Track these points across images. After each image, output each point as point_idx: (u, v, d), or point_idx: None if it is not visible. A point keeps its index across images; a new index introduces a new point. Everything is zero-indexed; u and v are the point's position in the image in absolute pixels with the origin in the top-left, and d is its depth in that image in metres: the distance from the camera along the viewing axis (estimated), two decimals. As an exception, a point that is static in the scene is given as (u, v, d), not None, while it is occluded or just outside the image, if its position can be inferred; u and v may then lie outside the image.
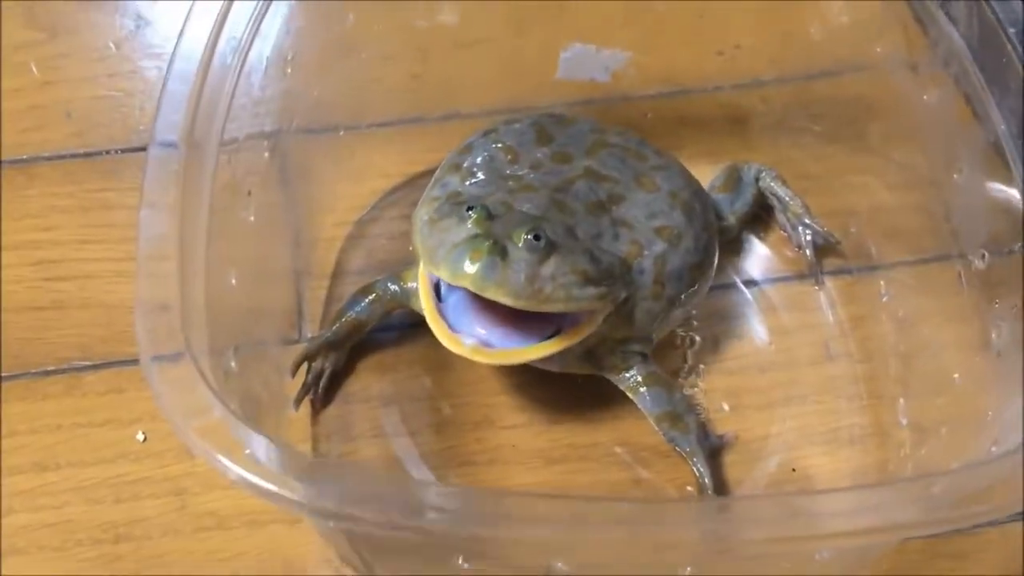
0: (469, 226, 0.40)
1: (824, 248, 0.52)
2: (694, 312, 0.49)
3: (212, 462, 0.30)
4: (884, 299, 0.50)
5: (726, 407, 0.47)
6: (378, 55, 0.53)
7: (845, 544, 0.33)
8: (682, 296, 0.46)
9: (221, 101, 0.39)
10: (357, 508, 0.30)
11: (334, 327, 0.47)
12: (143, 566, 0.43)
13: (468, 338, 0.41)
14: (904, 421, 0.46)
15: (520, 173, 0.46)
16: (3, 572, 0.42)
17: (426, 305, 0.42)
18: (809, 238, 0.52)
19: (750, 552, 0.34)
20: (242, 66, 0.41)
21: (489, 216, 0.41)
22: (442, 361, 0.47)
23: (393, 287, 0.47)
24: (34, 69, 0.58)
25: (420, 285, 0.43)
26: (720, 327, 0.50)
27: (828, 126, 0.53)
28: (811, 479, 0.45)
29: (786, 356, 0.49)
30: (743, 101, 0.55)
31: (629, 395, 0.44)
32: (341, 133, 0.54)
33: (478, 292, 0.39)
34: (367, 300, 0.47)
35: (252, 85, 0.42)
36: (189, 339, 0.32)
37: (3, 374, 0.47)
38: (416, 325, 0.47)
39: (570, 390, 0.47)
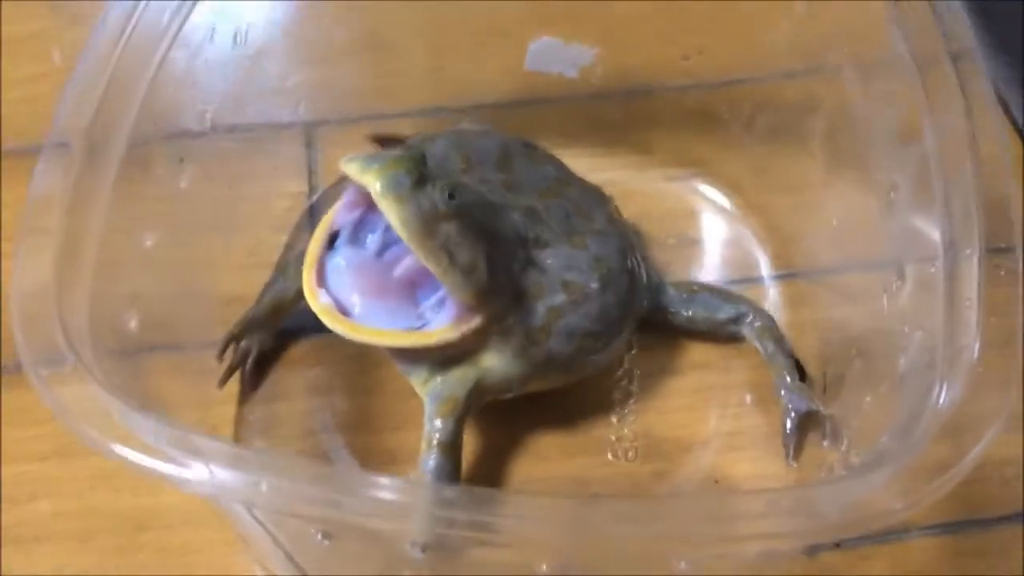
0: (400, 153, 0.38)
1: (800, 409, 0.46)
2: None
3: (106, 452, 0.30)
4: (825, 309, 0.49)
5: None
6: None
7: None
8: (565, 360, 0.43)
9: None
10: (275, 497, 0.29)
11: (257, 305, 0.47)
12: (164, 555, 0.43)
13: (326, 297, 0.39)
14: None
15: (465, 181, 0.44)
16: (27, 558, 0.43)
17: (311, 248, 0.40)
18: (789, 406, 0.46)
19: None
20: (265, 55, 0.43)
21: (424, 161, 0.38)
22: (376, 357, 0.47)
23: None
24: (56, 58, 0.59)
25: (319, 228, 0.40)
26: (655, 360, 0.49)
27: (788, 128, 0.52)
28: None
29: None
30: (711, 103, 0.54)
31: (423, 437, 0.42)
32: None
33: (376, 198, 0.37)
34: (284, 274, 0.47)
35: (271, 75, 0.45)
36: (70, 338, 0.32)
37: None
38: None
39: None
